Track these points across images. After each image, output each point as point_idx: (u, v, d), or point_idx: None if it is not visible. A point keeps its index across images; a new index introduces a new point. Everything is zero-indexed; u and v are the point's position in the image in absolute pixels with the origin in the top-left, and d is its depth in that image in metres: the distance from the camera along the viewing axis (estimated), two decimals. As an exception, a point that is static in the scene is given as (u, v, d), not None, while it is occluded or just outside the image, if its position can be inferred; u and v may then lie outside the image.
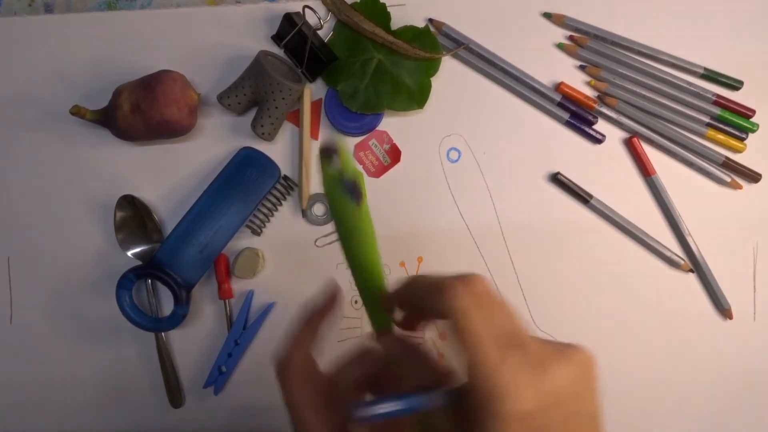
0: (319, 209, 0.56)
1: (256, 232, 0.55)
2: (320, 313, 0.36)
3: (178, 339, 0.55)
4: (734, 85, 0.56)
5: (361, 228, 0.35)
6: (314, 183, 0.56)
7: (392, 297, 0.34)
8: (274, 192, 0.55)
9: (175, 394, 0.55)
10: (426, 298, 0.31)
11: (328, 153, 0.34)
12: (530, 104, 0.56)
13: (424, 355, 0.33)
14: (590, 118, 0.56)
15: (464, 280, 0.29)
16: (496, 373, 0.27)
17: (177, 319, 0.52)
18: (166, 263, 0.52)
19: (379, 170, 0.56)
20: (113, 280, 0.52)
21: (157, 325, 0.53)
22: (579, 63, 0.56)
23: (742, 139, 0.55)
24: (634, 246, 0.56)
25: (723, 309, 0.55)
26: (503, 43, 0.56)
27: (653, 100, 0.55)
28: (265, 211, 0.55)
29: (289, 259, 0.56)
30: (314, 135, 0.56)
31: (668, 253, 0.55)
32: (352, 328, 0.55)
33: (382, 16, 0.54)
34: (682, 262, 0.55)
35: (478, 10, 0.56)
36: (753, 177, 0.55)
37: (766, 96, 0.56)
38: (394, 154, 0.56)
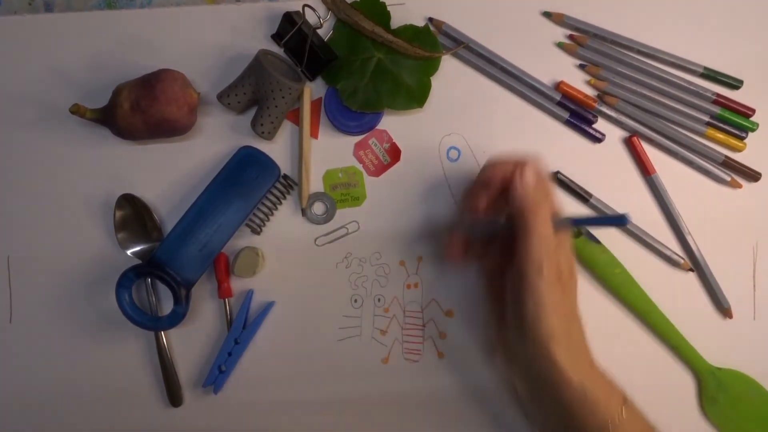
0: (318, 208, 0.56)
1: (256, 231, 0.55)
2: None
3: (178, 338, 0.55)
4: (734, 84, 0.56)
5: (609, 256, 0.54)
6: (314, 182, 0.56)
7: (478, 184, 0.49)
8: (274, 191, 0.55)
9: (174, 393, 0.55)
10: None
11: (579, 233, 0.54)
12: (530, 103, 0.56)
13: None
14: (590, 117, 0.56)
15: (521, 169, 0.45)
16: (535, 214, 0.43)
17: (176, 318, 0.52)
18: (166, 262, 0.52)
19: (379, 169, 0.56)
20: (113, 279, 0.52)
21: (156, 324, 0.53)
22: (579, 62, 0.56)
23: (741, 138, 0.56)
24: (633, 245, 0.56)
25: (723, 308, 0.55)
26: (503, 42, 0.56)
27: (653, 99, 0.55)
28: (265, 210, 0.55)
29: (288, 258, 0.56)
30: (314, 134, 0.56)
31: (668, 252, 0.55)
32: (352, 327, 0.55)
33: (381, 15, 0.54)
34: (682, 261, 0.55)
35: (478, 9, 0.56)
36: (753, 176, 0.55)
37: (765, 95, 0.56)
38: (394, 153, 0.56)
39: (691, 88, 0.55)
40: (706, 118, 0.55)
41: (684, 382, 0.55)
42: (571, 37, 0.56)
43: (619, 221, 0.41)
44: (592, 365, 0.45)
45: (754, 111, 0.55)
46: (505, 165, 0.46)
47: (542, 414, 0.47)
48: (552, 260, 0.42)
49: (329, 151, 0.56)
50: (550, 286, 0.42)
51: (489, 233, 0.49)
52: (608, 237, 0.55)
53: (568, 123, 0.56)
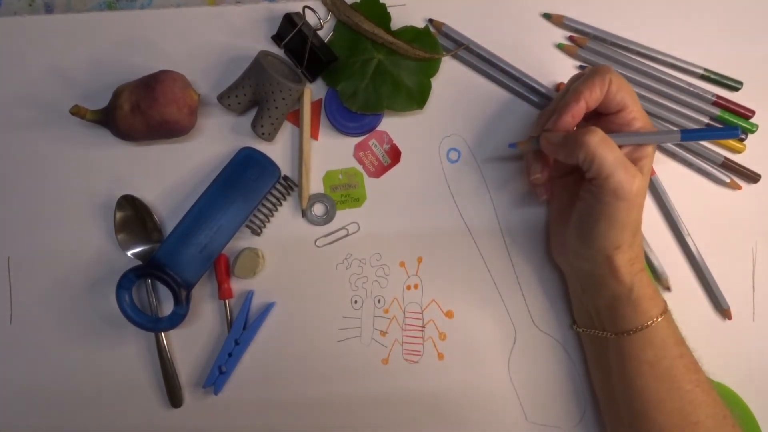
0: (319, 209, 0.56)
1: (256, 232, 0.55)
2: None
3: (178, 339, 0.56)
4: (734, 85, 0.56)
5: None
6: (314, 183, 0.56)
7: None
8: (274, 192, 0.55)
9: (174, 393, 0.55)
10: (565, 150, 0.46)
11: None
12: (530, 104, 0.56)
13: None
14: (590, 118, 0.56)
15: (588, 130, 0.43)
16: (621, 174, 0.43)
17: (177, 318, 0.52)
18: (166, 263, 0.52)
19: (379, 170, 0.56)
20: (113, 280, 0.52)
21: (156, 324, 0.53)
22: (579, 63, 0.56)
23: (741, 140, 0.56)
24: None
25: (722, 309, 0.55)
26: (503, 43, 0.56)
27: (653, 100, 0.55)
28: (265, 211, 0.55)
29: (289, 259, 0.56)
30: (314, 135, 0.56)
31: (656, 263, 0.55)
32: (352, 328, 0.56)
33: (382, 17, 0.55)
34: (664, 276, 0.55)
35: (478, 10, 0.56)
36: (752, 177, 0.55)
37: (765, 96, 0.56)
38: (394, 155, 0.56)
39: (691, 89, 0.55)
40: (706, 120, 0.55)
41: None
42: (570, 38, 0.56)
43: (731, 133, 0.39)
44: (642, 270, 0.48)
45: (753, 112, 0.55)
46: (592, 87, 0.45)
47: (588, 306, 0.51)
48: (630, 185, 0.43)
49: (329, 153, 0.56)
50: (625, 206, 0.44)
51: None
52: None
53: (567, 124, 0.56)
